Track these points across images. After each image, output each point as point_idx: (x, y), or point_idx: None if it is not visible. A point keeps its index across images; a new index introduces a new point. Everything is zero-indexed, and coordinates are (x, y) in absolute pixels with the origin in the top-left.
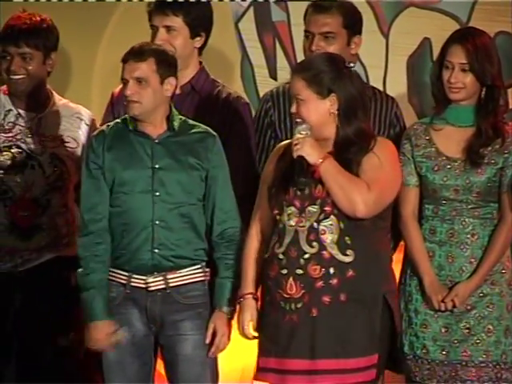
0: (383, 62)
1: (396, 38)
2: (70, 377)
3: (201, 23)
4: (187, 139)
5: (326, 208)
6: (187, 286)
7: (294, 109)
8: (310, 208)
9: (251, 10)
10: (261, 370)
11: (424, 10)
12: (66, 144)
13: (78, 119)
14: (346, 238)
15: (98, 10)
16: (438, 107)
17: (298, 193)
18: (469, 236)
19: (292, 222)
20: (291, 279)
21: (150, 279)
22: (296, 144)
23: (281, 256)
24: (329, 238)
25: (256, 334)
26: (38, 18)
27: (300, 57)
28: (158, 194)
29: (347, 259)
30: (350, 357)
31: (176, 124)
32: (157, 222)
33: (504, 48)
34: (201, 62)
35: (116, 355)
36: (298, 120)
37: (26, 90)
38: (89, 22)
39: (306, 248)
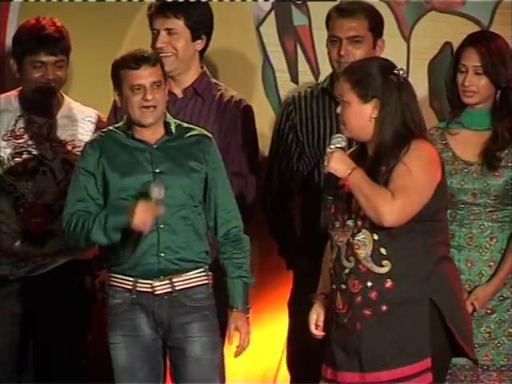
0: (404, 65)
1: (417, 41)
2: (86, 379)
3: (202, 26)
4: (184, 143)
5: (358, 222)
6: (193, 289)
7: (339, 110)
8: (348, 222)
9: (272, 14)
10: (323, 379)
11: (445, 14)
12: (78, 149)
13: (89, 122)
14: (381, 249)
15: (120, 10)
16: (454, 111)
17: (340, 206)
18: (487, 239)
19: (336, 237)
20: (338, 294)
21: (157, 283)
22: (325, 160)
23: (332, 271)
24: (363, 252)
25: (319, 334)
26: (59, 24)
27: (321, 60)
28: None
29: (383, 270)
30: (398, 366)
31: (173, 128)
32: (161, 226)
33: None
34: (203, 66)
35: (126, 360)
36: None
37: (51, 95)
38: (110, 22)
39: (345, 263)
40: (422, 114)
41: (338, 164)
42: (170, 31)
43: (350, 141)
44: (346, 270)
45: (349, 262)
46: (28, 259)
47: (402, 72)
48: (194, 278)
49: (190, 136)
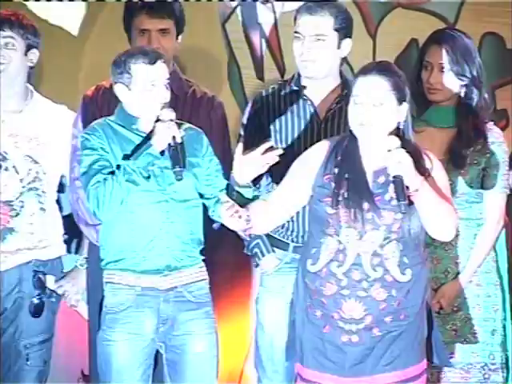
0: None
1: (383, 39)
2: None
3: (184, 23)
4: (185, 138)
5: (392, 235)
6: (195, 284)
7: (368, 109)
8: (372, 233)
9: (238, 10)
10: (310, 382)
11: (411, 11)
12: (43, 146)
13: (58, 120)
14: (404, 259)
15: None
16: (419, 109)
17: (359, 216)
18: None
19: (353, 245)
20: (352, 300)
21: (162, 278)
22: (398, 162)
23: (340, 276)
24: (392, 262)
25: None
26: (22, 13)
27: (287, 58)
28: (166, 191)
29: (405, 279)
30: (406, 367)
31: None
32: (170, 221)
33: (491, 49)
34: (174, 63)
35: (126, 359)
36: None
37: (6, 81)
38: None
39: (369, 272)
40: None
41: (413, 173)
42: (163, 31)
43: None
44: (370, 279)
45: (375, 271)
46: None
47: None
48: (196, 273)
49: (185, 130)
